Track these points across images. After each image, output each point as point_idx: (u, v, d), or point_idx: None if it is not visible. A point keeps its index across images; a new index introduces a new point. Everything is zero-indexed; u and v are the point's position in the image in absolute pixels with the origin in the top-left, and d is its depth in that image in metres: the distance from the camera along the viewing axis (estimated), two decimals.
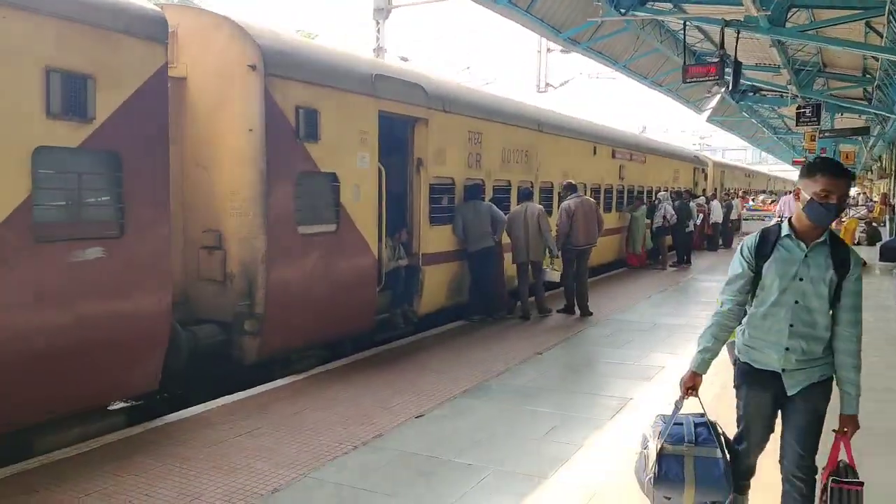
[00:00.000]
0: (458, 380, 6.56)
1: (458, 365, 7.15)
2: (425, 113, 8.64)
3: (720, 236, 21.47)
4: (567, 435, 5.17)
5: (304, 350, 7.00)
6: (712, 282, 14.51)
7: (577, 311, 10.14)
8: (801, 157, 41.86)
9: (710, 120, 28.08)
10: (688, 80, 12.45)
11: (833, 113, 24.78)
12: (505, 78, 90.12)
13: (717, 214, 21.02)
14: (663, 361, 7.35)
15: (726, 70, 12.34)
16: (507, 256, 10.34)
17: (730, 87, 12.54)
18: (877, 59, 16.16)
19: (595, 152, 14.83)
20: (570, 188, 10.60)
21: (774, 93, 22.84)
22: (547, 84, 23.35)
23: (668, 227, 16.38)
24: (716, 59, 12.34)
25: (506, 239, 10.11)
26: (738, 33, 11.98)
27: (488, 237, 9.49)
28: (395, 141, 8.62)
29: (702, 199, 21.54)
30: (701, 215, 20.71)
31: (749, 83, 21.94)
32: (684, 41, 12.64)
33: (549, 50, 23.37)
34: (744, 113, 27.75)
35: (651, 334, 8.83)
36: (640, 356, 7.61)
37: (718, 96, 26.38)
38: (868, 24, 13.43)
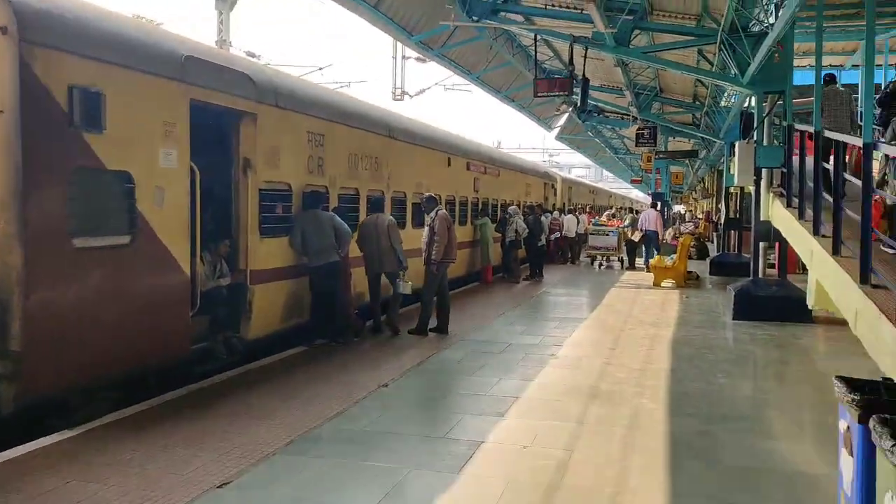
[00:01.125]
0: (283, 426, 5.51)
1: (288, 405, 6.10)
2: (253, 107, 7.54)
3: (569, 250, 21.90)
4: (409, 498, 4.33)
5: (93, 391, 5.64)
6: (564, 295, 14.47)
7: (429, 332, 9.44)
8: (638, 177, 44.79)
9: (558, 138, 28.97)
10: (539, 95, 12.29)
11: (667, 136, 26.36)
12: (362, 84, 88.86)
13: (570, 229, 21.41)
14: (517, 390, 6.76)
15: (575, 87, 12.30)
16: (357, 272, 9.48)
17: (578, 105, 12.48)
18: (706, 87, 17.12)
19: (450, 163, 14.34)
20: (432, 200, 9.87)
21: (617, 114, 23.82)
22: (403, 92, 22.69)
23: (519, 241, 16.28)
24: (566, 76, 12.28)
25: (356, 251, 9.25)
26: (586, 51, 11.98)
27: (331, 251, 8.52)
28: (218, 138, 7.44)
29: (557, 214, 21.93)
30: (555, 230, 21.10)
31: (594, 103, 22.69)
32: (535, 55, 12.47)
33: (405, 57, 22.78)
34: (589, 133, 28.87)
35: (505, 357, 8.27)
36: (493, 385, 6.98)
37: (567, 115, 27.25)
38: (701, 53, 14.04)
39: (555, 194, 26.79)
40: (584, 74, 12.13)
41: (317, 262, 8.50)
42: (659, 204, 25.21)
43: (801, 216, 9.00)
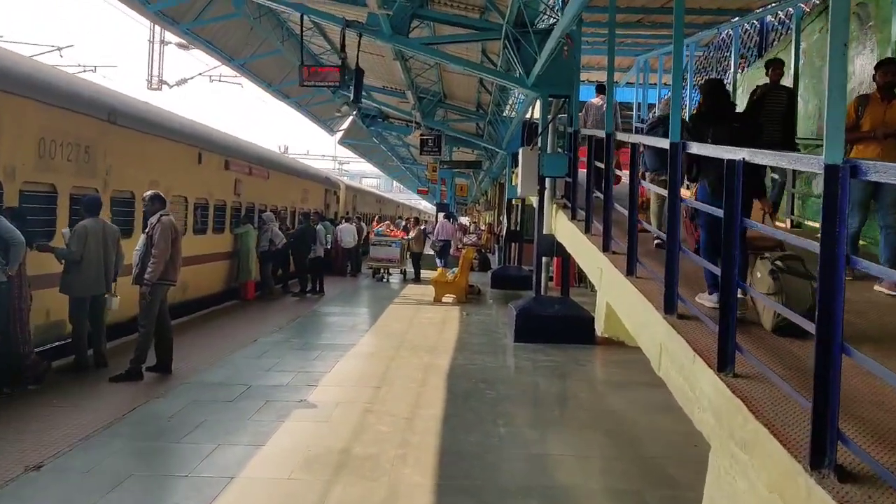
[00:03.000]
0: None
1: None
2: None
3: (349, 261, 20.27)
4: None
5: None
6: (335, 315, 12.73)
7: (147, 372, 7.17)
8: (425, 187, 44.66)
9: (342, 142, 27.31)
10: (305, 84, 10.46)
11: (451, 146, 25.93)
12: (111, 69, 79.74)
13: (347, 239, 19.79)
14: (237, 464, 4.86)
15: (347, 76, 10.67)
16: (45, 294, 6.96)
17: (351, 99, 10.87)
18: (490, 92, 16.52)
19: (201, 160, 11.93)
20: (158, 200, 7.49)
21: (401, 120, 22.78)
22: (161, 80, 19.59)
23: (275, 252, 14.31)
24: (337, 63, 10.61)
25: (44, 267, 6.70)
26: (360, 37, 10.43)
27: None
28: None
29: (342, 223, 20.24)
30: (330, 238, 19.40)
31: (377, 106, 21.40)
32: (301, 35, 10.63)
33: (164, 42, 19.70)
34: (374, 139, 27.60)
35: (238, 407, 6.29)
36: (204, 456, 5.00)
37: (350, 118, 25.71)
38: (485, 53, 13.21)
39: (337, 202, 25.06)
40: (357, 64, 10.55)
41: None
42: (450, 215, 24.76)
43: (587, 230, 8.17)
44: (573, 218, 9.19)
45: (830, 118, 2.66)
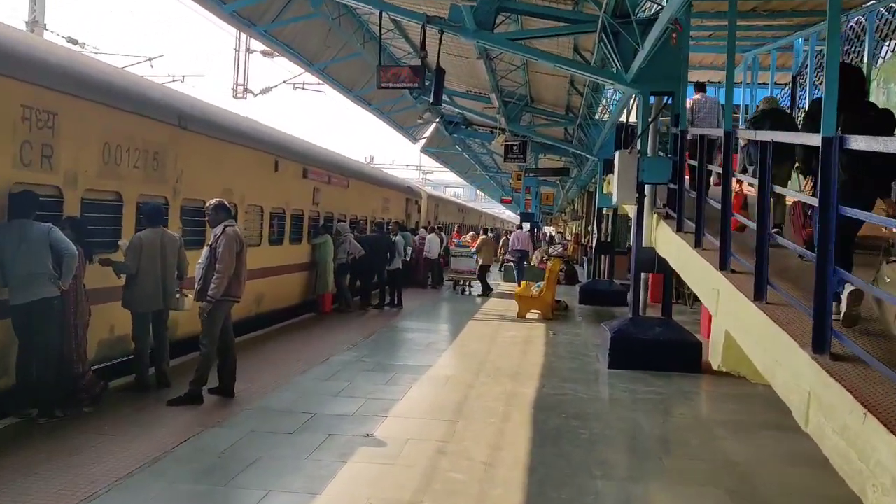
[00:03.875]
0: None
1: None
2: None
3: (430, 273, 19.59)
4: None
5: None
6: (412, 331, 12.01)
7: (208, 395, 6.63)
8: (509, 196, 43.67)
9: (424, 150, 26.82)
10: (383, 85, 9.81)
11: (538, 153, 24.92)
12: (198, 78, 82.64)
13: (433, 249, 19.12)
14: None
15: (427, 77, 9.96)
16: (106, 308, 6.58)
17: (431, 100, 10.12)
18: (581, 94, 15.46)
19: (277, 168, 11.51)
20: (223, 210, 6.87)
21: (486, 127, 22.03)
22: (245, 89, 19.66)
23: (352, 264, 13.76)
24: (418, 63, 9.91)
25: (105, 280, 6.30)
26: (442, 34, 9.67)
27: (44, 282, 5.55)
28: None
29: (423, 232, 19.63)
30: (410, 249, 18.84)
31: (460, 112, 20.73)
32: (380, 34, 9.98)
33: (249, 50, 19.78)
34: (456, 147, 26.93)
35: (297, 441, 5.60)
36: None
37: (433, 126, 25.17)
38: (577, 51, 12.22)
39: (419, 211, 24.52)
40: (438, 64, 9.81)
41: (22, 299, 5.50)
42: (527, 224, 23.88)
43: (698, 243, 7.07)
44: (679, 230, 8.08)
45: None
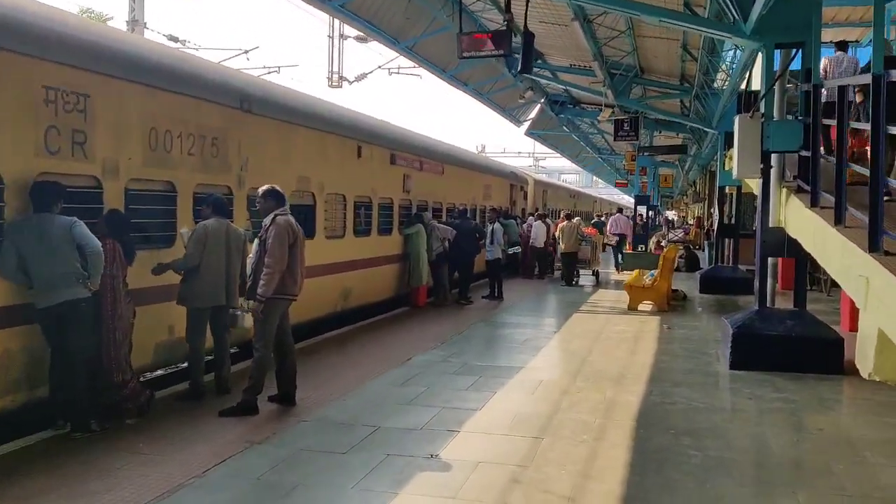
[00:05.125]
0: None
1: None
2: None
3: (537, 262, 18.53)
4: None
5: None
6: (509, 326, 11.09)
7: (269, 402, 6.10)
8: (623, 180, 41.45)
9: (529, 133, 25.65)
10: (465, 54, 8.93)
11: (652, 130, 23.13)
12: (293, 68, 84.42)
13: (537, 238, 18.09)
14: None
15: (514, 43, 8.97)
16: (150, 309, 6.19)
17: (519, 68, 9.11)
18: (695, 59, 13.83)
19: (360, 154, 10.95)
20: (273, 196, 6.24)
21: (593, 105, 20.60)
22: (341, 77, 19.42)
23: (446, 254, 12.99)
24: (502, 27, 8.93)
25: (157, 279, 5.91)
26: None
27: (70, 282, 5.13)
28: None
29: (531, 220, 18.70)
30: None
31: (565, 89, 19.45)
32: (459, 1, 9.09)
33: (343, 36, 19.51)
34: (564, 128, 25.54)
35: (350, 462, 4.89)
36: None
37: (538, 107, 23.95)
38: (688, 6, 10.75)
39: (525, 198, 23.46)
40: (525, 26, 8.78)
41: (48, 301, 5.11)
42: (624, 209, 23.10)
43: (838, 220, 5.71)
44: (814, 205, 6.67)
45: None
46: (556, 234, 17.17)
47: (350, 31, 18.07)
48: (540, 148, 52.84)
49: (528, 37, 8.86)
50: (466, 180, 16.74)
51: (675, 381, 7.41)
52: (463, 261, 13.44)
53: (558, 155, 43.70)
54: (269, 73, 19.44)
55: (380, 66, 18.89)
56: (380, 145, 11.67)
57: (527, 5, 8.54)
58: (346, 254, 10.47)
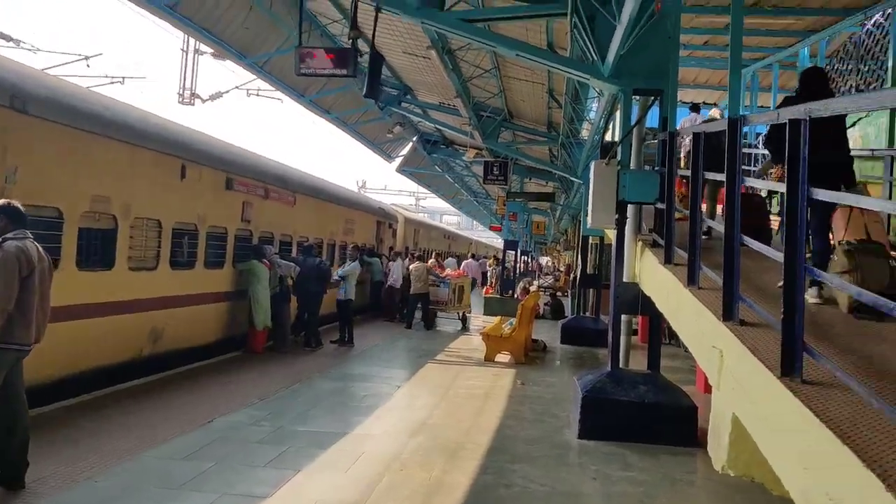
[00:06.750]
0: None
1: None
2: None
3: (399, 303, 17.49)
4: None
5: None
6: (351, 380, 9.85)
7: None
8: (498, 223, 41.60)
9: (401, 171, 24.88)
10: (302, 70, 7.83)
11: (523, 176, 23.06)
12: (140, 80, 79.29)
13: (395, 276, 17.13)
14: None
15: (359, 61, 8.01)
16: None
17: (364, 92, 8.14)
18: (560, 105, 13.57)
19: (185, 174, 9.50)
20: (7, 214, 4.74)
21: (465, 147, 20.16)
22: (193, 94, 17.73)
23: (289, 292, 11.73)
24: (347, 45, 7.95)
25: None
26: (378, 11, 7.72)
27: None
28: None
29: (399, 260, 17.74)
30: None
31: (437, 128, 18.86)
32: (301, 5, 8.03)
33: (198, 51, 17.90)
34: (437, 167, 25.01)
35: None
36: None
37: (410, 144, 23.31)
38: (552, 46, 10.33)
39: (393, 236, 22.52)
40: (373, 47, 7.85)
41: None
42: (480, 255, 22.97)
43: (691, 280, 5.07)
44: (668, 262, 6.07)
45: None
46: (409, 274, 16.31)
47: (206, 47, 16.58)
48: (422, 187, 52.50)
49: (376, 58, 7.92)
50: (324, 213, 15.53)
51: (516, 453, 6.50)
52: (307, 301, 12.14)
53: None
54: (113, 83, 17.47)
55: (237, 87, 17.36)
56: (212, 167, 10.27)
57: (375, 21, 7.62)
58: (158, 289, 8.93)
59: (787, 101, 4.90)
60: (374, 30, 7.76)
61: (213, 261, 10.46)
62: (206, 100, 16.79)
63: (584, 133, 15.15)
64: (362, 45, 9.22)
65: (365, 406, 8.17)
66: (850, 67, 11.29)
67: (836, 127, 4.85)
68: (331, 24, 11.42)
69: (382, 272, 17.84)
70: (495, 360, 12.04)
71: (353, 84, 12.15)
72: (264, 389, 8.59)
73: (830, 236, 5.18)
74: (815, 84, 4.99)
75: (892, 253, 4.88)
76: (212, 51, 15.60)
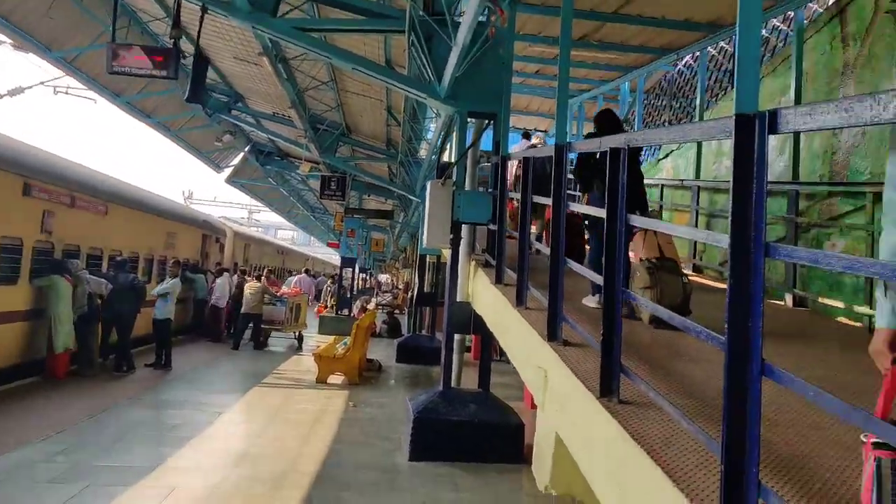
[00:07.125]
0: None
1: None
2: None
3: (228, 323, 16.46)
4: None
5: None
6: (164, 407, 9.02)
7: None
8: (336, 240, 41.01)
9: (231, 182, 23.65)
10: (115, 68, 7.10)
11: (361, 192, 22.85)
12: None
13: (220, 294, 16.11)
14: None
15: (183, 63, 7.43)
16: None
17: (185, 96, 7.56)
18: (399, 123, 13.58)
19: None
20: None
21: (301, 160, 19.59)
22: None
23: (97, 312, 10.65)
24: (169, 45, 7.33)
25: None
26: (204, 11, 7.21)
27: None
28: None
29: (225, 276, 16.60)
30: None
31: (271, 138, 18.15)
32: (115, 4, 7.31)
33: None
34: (270, 180, 24.10)
35: None
36: None
37: (241, 154, 22.24)
38: (390, 63, 10.28)
39: (221, 251, 21.29)
40: (198, 49, 7.31)
41: None
42: (311, 270, 23.25)
43: (519, 301, 5.15)
44: (498, 282, 6.16)
45: None
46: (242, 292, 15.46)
47: (5, 38, 14.71)
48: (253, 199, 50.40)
49: (200, 61, 7.38)
50: (142, 225, 14.28)
51: (344, 480, 6.23)
52: (119, 321, 11.04)
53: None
54: None
55: (42, 83, 15.54)
56: (5, 169, 9.04)
57: (200, 23, 7.09)
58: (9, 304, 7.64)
59: (589, 137, 5.40)
60: (200, 30, 7.23)
61: (2, 276, 9.16)
62: (4, 95, 14.88)
63: (423, 152, 15.29)
64: (188, 46, 8.60)
65: (179, 436, 7.49)
66: (664, 103, 12.37)
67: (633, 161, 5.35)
68: (153, 22, 10.55)
69: (206, 289, 16.73)
70: (328, 381, 11.66)
71: (178, 87, 11.34)
72: (62, 419, 7.62)
73: (631, 254, 5.51)
74: (608, 123, 5.45)
75: (683, 269, 5.34)
76: (11, 41, 13.92)
